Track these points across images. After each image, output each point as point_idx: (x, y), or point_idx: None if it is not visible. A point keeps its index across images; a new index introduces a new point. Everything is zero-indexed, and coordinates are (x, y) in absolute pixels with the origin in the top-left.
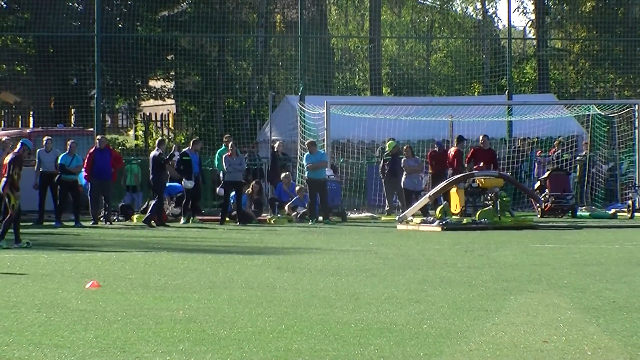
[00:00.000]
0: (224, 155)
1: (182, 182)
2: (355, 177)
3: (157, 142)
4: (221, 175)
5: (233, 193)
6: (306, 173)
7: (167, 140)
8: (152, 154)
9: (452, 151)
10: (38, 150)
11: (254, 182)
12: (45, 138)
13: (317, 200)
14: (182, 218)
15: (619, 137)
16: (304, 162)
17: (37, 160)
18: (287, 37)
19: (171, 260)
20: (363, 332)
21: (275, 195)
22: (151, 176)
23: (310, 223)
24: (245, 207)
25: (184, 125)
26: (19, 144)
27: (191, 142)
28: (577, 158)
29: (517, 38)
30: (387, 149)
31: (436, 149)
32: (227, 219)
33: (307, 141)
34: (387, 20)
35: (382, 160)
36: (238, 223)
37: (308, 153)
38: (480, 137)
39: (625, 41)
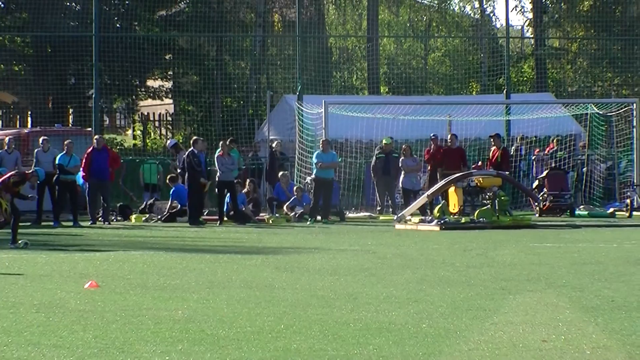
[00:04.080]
0: (216, 155)
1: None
2: (354, 177)
3: (192, 141)
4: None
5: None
6: (314, 171)
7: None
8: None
9: (493, 150)
10: (36, 150)
11: (248, 180)
12: (42, 138)
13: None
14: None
15: (617, 136)
16: (314, 160)
17: (34, 160)
18: (285, 36)
19: (170, 260)
20: (362, 332)
21: (274, 195)
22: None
23: (308, 222)
24: (243, 207)
25: (181, 125)
26: (33, 169)
27: (191, 141)
28: (581, 157)
29: (515, 37)
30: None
31: (431, 145)
32: (226, 219)
33: (322, 139)
34: (385, 19)
35: (374, 159)
36: (235, 223)
37: (319, 151)
38: (449, 136)
39: (623, 40)
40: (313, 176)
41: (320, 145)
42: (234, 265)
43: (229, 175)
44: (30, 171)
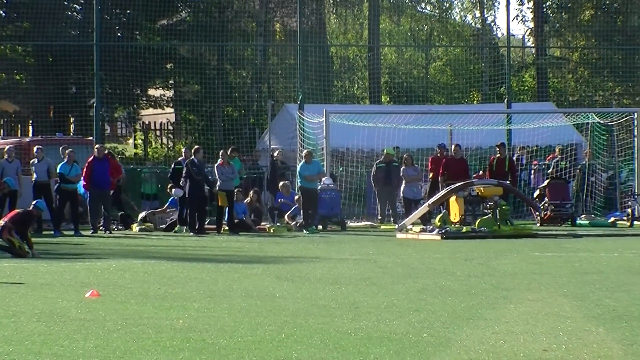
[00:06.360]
0: (215, 165)
1: (172, 191)
2: (355, 186)
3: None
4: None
5: None
6: (298, 182)
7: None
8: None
9: (494, 159)
10: (32, 160)
11: (252, 191)
12: (36, 147)
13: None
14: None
15: (618, 146)
16: (298, 171)
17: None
18: (286, 45)
19: (171, 269)
20: (363, 341)
21: (275, 204)
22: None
23: (305, 232)
24: (244, 216)
25: (183, 134)
26: (32, 205)
27: (192, 150)
28: (579, 167)
29: (516, 46)
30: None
31: (437, 153)
32: (225, 227)
33: (304, 151)
34: (386, 28)
35: (374, 168)
36: (229, 232)
37: (303, 162)
38: (453, 146)
39: (624, 49)
40: (298, 186)
41: (304, 157)
42: (235, 275)
43: (229, 184)
44: (32, 207)
